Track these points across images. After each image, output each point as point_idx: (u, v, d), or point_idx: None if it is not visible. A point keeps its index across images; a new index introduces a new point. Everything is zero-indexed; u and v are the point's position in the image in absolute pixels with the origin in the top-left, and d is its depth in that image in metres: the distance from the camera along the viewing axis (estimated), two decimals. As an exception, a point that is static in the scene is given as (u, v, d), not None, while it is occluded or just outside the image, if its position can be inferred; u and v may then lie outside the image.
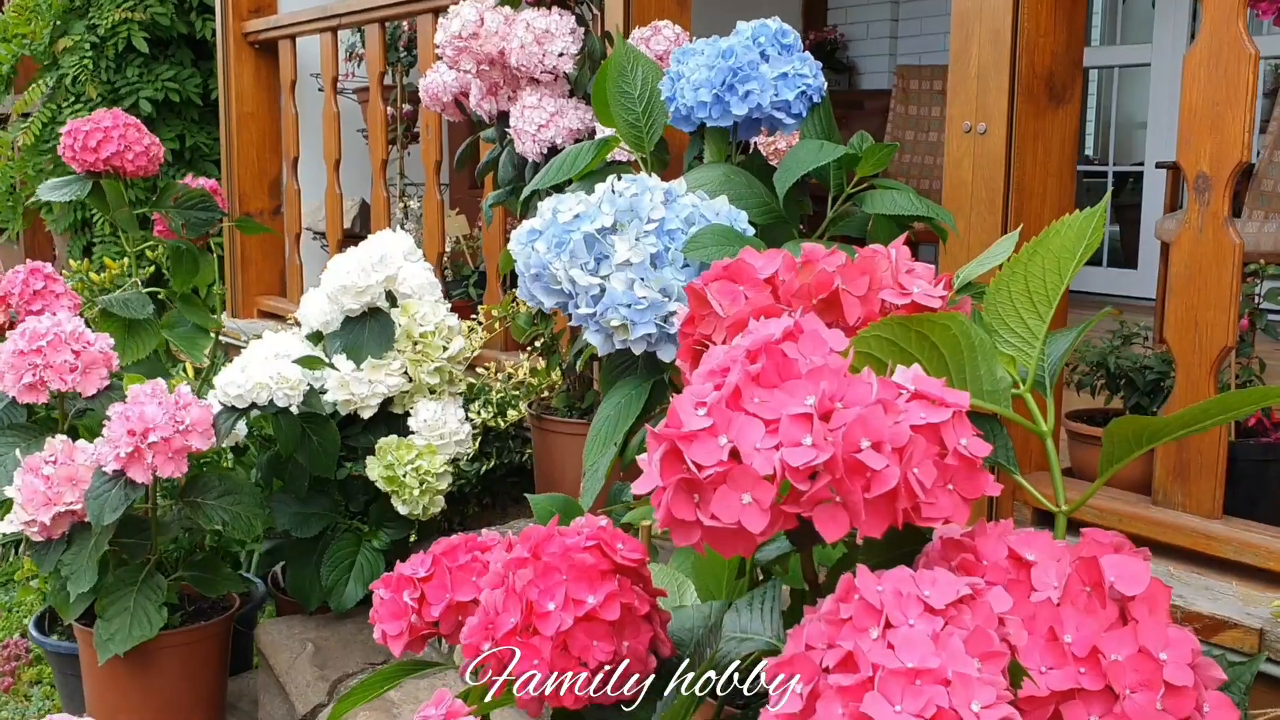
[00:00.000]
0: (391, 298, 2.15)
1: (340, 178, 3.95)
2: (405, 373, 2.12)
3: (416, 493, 2.01)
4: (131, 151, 2.47)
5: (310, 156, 4.25)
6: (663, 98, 1.57)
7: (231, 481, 2.08)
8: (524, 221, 1.40)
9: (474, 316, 3.23)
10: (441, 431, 2.09)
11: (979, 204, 1.86)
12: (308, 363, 2.03)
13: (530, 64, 2.06)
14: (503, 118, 2.23)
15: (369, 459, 2.06)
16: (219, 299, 2.80)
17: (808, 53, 1.53)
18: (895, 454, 0.71)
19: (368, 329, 2.09)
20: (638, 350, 1.31)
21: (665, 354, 1.33)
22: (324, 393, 2.13)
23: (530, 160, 2.13)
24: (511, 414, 2.75)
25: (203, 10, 5.67)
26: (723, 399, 0.75)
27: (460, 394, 2.26)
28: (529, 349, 2.50)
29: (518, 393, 2.89)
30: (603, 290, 1.31)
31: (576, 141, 2.14)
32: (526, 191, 1.66)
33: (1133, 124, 5.32)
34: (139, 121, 2.49)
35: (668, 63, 2.21)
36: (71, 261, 3.69)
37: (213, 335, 2.52)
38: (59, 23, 5.51)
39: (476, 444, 2.66)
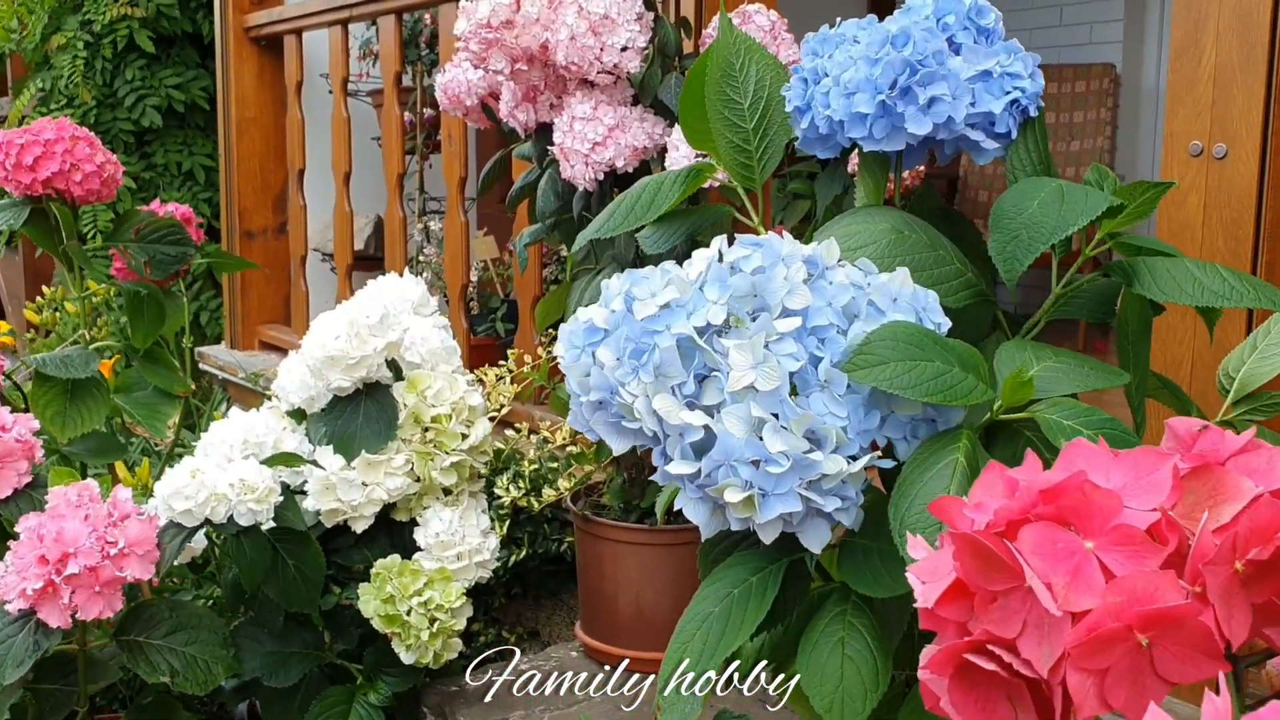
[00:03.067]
0: (395, 366, 1.63)
1: (351, 192, 3.44)
2: (411, 468, 1.60)
3: (425, 635, 1.49)
4: (80, 171, 1.96)
5: (318, 168, 3.74)
6: (788, 108, 1.04)
7: (186, 612, 1.56)
8: (575, 310, 0.87)
9: (503, 363, 2.72)
10: (459, 550, 1.56)
11: (1214, 256, 1.32)
12: (282, 461, 1.51)
13: (584, 61, 1.53)
14: (542, 130, 1.71)
15: (362, 587, 1.54)
16: (189, 354, 2.28)
17: (1014, 40, 1.00)
18: None
19: (362, 412, 1.57)
20: (767, 536, 0.79)
21: (813, 539, 0.80)
22: (302, 493, 1.61)
23: (581, 187, 1.61)
24: (548, 493, 2.23)
25: (208, 7, 5.19)
26: None
27: (482, 490, 1.74)
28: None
29: (556, 465, 2.36)
30: (709, 433, 0.78)
31: (642, 162, 1.62)
32: (583, 241, 1.14)
33: None
34: (91, 134, 1.98)
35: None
36: (45, 288, 3.19)
37: (180, 400, 2.01)
38: (52, 18, 5.04)
39: (505, 527, 2.14)
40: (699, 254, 0.83)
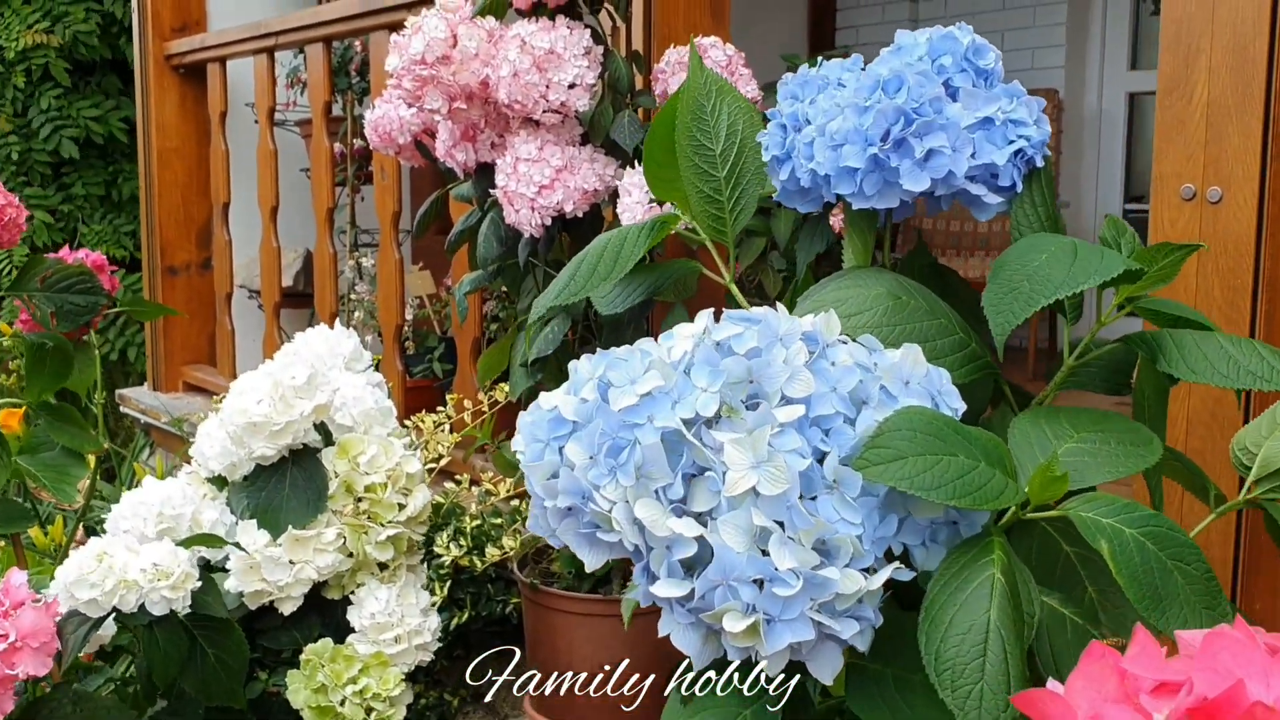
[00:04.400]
0: (324, 429, 1.49)
1: (278, 227, 3.29)
2: (344, 543, 1.46)
3: (361, 728, 1.35)
4: (-23, 215, 1.81)
5: (244, 201, 3.58)
6: (764, 157, 0.93)
7: (91, 705, 1.41)
8: (540, 395, 0.76)
9: (441, 409, 2.58)
10: (397, 632, 1.43)
11: (1210, 307, 1.23)
12: (201, 542, 1.36)
13: (528, 99, 1.42)
14: (483, 170, 1.59)
15: (291, 675, 1.40)
16: (100, 408, 2.13)
17: (1016, 83, 0.90)
18: None
19: (288, 482, 1.44)
20: (773, 668, 0.68)
21: (824, 668, 0.69)
22: (223, 570, 1.47)
23: (526, 234, 1.49)
24: (492, 552, 2.09)
25: (131, 32, 5.00)
26: None
27: (421, 562, 1.60)
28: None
29: (499, 520, 2.23)
30: (702, 545, 0.67)
31: (592, 206, 1.50)
32: (541, 309, 1.02)
33: None
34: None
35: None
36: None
37: (91, 461, 1.85)
38: (-38, 45, 4.82)
39: (445, 588, 2.00)
40: (681, 330, 0.72)
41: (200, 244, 3.80)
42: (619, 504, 0.68)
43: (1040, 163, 0.88)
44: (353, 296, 3.06)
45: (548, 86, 1.42)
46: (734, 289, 1.03)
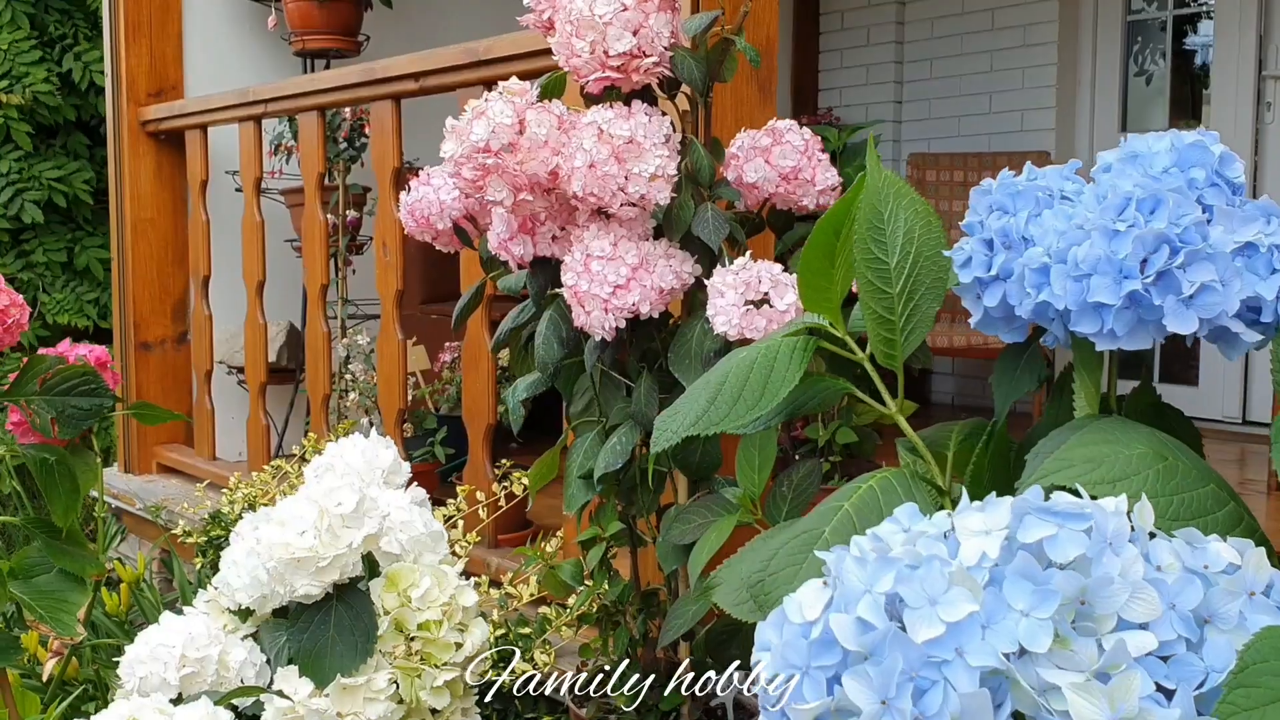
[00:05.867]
0: (370, 559, 1.32)
1: (264, 302, 3.11)
2: (396, 689, 1.29)
3: None
4: (-26, 316, 1.64)
5: (223, 273, 3.40)
6: (962, 277, 0.80)
7: None
8: (786, 602, 0.61)
9: (452, 500, 2.40)
10: (459, 795, 1.26)
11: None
12: (239, 695, 1.19)
13: (605, 192, 1.27)
14: (540, 265, 1.45)
15: None
16: (101, 522, 1.95)
17: (1266, 198, 0.77)
18: None
19: (333, 621, 1.26)
20: None
21: None
22: (255, 717, 1.29)
23: (598, 337, 1.34)
24: (521, 665, 1.91)
25: (97, 90, 4.82)
26: None
27: (475, 708, 1.43)
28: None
29: (527, 629, 2.05)
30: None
31: (668, 307, 1.36)
32: (675, 438, 0.87)
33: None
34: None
35: (795, 187, 1.45)
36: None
37: (91, 586, 1.66)
38: (-84, 106, 4.62)
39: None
40: (968, 523, 0.57)
41: (176, 318, 3.61)
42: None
43: (1304, 293, 0.75)
44: (346, 376, 2.89)
45: (626, 178, 1.28)
46: (904, 423, 0.89)
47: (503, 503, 2.41)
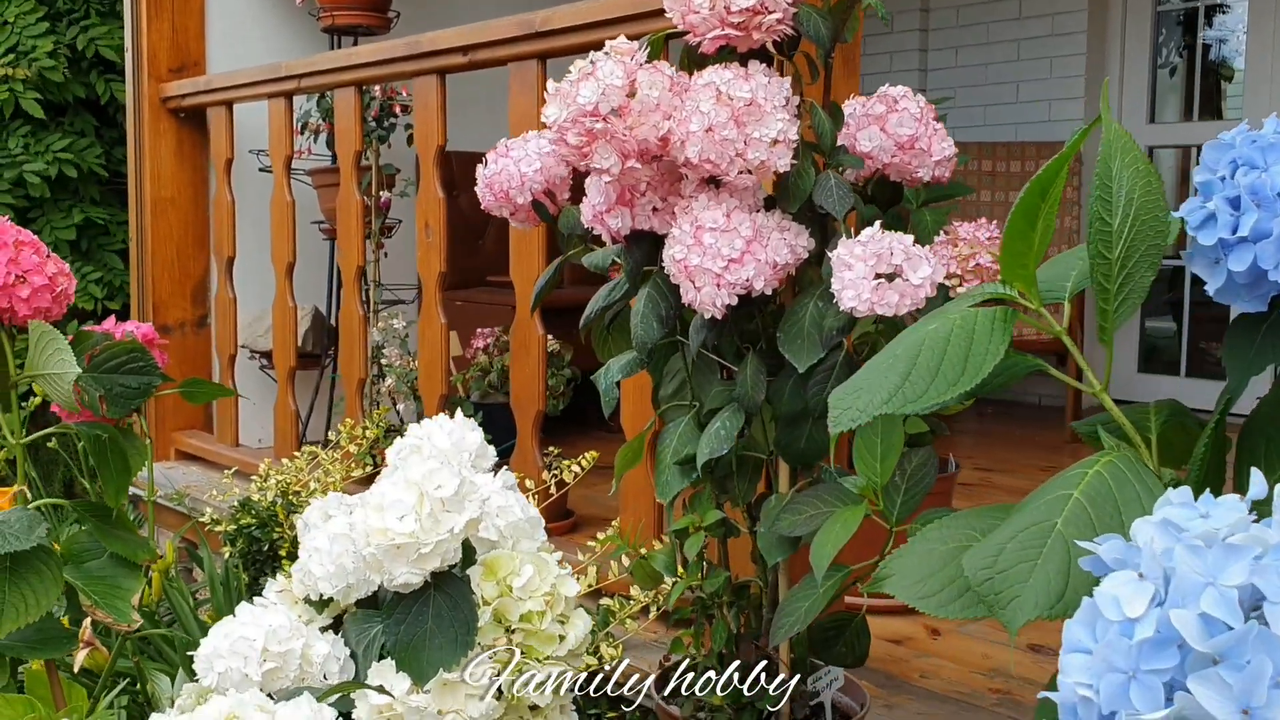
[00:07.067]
0: (466, 546, 1.25)
1: (293, 285, 3.03)
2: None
3: None
4: (28, 285, 1.55)
5: (247, 255, 3.32)
6: (1202, 240, 0.73)
7: None
8: (1097, 594, 0.53)
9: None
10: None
11: None
12: (339, 690, 1.11)
13: (722, 158, 1.20)
14: (637, 239, 1.37)
15: None
16: (151, 506, 1.87)
17: None
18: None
19: (431, 612, 1.19)
20: None
21: None
22: (345, 716, 1.21)
23: (708, 315, 1.26)
24: (588, 660, 1.84)
25: (103, 68, 4.71)
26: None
27: (573, 707, 1.36)
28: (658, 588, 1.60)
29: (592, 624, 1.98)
30: None
31: (781, 282, 1.28)
32: (870, 413, 0.79)
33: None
34: (36, 238, 1.56)
35: (911, 157, 1.37)
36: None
37: (144, 572, 1.59)
38: (-77, 83, 4.51)
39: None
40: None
41: (195, 301, 3.52)
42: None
43: None
44: (381, 361, 2.80)
45: (745, 143, 1.20)
46: (1110, 403, 0.82)
47: (553, 490, 2.34)
